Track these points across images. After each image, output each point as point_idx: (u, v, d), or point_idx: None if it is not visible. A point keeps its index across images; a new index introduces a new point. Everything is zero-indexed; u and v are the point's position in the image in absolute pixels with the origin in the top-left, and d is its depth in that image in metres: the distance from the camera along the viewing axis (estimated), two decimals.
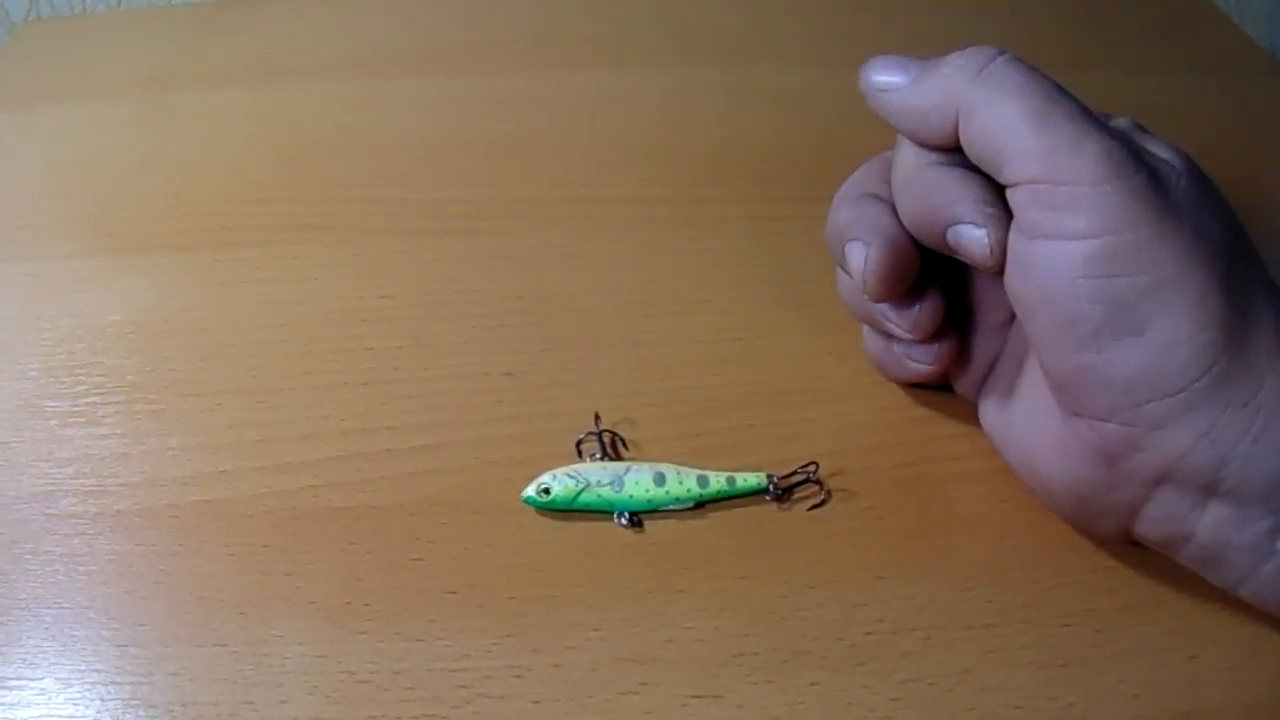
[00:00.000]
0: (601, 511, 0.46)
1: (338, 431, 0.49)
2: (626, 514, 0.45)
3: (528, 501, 0.46)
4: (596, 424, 0.48)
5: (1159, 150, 0.38)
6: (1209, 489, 0.37)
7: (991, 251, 0.39)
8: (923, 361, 0.47)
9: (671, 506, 0.46)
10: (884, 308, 0.45)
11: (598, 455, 0.47)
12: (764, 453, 0.48)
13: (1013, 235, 0.39)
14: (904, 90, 0.41)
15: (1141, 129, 0.41)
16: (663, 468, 0.46)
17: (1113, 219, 0.36)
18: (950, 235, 0.41)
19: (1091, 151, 0.36)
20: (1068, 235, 0.37)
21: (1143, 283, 0.36)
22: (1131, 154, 0.37)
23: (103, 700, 0.40)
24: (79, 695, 0.40)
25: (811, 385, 0.51)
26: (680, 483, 0.46)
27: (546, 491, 0.45)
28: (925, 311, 0.45)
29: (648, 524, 0.46)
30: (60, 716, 0.39)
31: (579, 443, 0.48)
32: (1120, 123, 0.41)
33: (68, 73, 0.74)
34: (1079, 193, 0.36)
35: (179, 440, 0.49)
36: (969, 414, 0.48)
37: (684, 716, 0.40)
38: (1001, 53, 0.40)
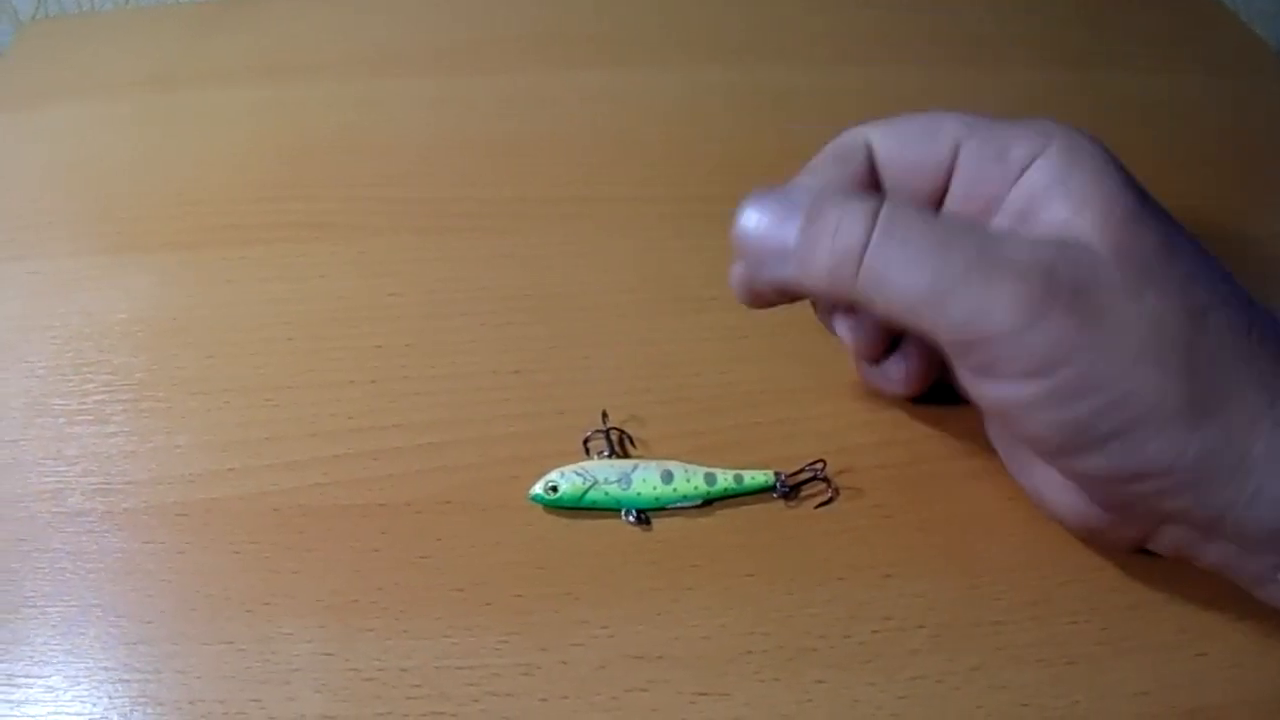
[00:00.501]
0: (609, 509, 0.46)
1: (345, 429, 0.49)
2: (634, 511, 0.45)
3: (535, 499, 0.46)
4: (604, 422, 0.48)
5: (1077, 219, 0.36)
6: (1211, 532, 0.36)
7: (909, 384, 0.42)
8: (894, 381, 0.47)
9: (679, 504, 0.46)
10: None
11: (605, 453, 0.47)
12: (771, 450, 0.48)
13: (955, 362, 0.39)
14: (794, 272, 0.39)
15: (1058, 135, 0.38)
16: (670, 465, 0.46)
17: (1046, 360, 0.35)
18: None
19: (1004, 303, 0.35)
20: (1006, 379, 0.37)
21: (1095, 405, 0.35)
22: (1045, 278, 0.35)
23: (110, 698, 0.40)
24: (87, 693, 0.40)
25: (818, 383, 0.51)
26: (688, 480, 0.46)
27: (554, 489, 0.45)
28: (894, 362, 0.46)
29: (655, 522, 0.46)
30: (68, 714, 0.39)
31: (586, 440, 0.48)
32: (1038, 128, 0.39)
33: (74, 71, 0.74)
34: (1003, 349, 0.36)
35: (186, 438, 0.49)
36: (976, 413, 0.48)
37: (691, 714, 0.40)
38: (878, 214, 0.37)
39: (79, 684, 0.40)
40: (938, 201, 0.41)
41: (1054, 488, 0.41)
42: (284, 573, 0.44)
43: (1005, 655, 0.41)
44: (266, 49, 0.76)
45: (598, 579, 0.44)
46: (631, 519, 0.45)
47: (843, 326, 0.44)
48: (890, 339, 0.45)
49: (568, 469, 0.46)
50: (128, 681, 0.40)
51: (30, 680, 0.40)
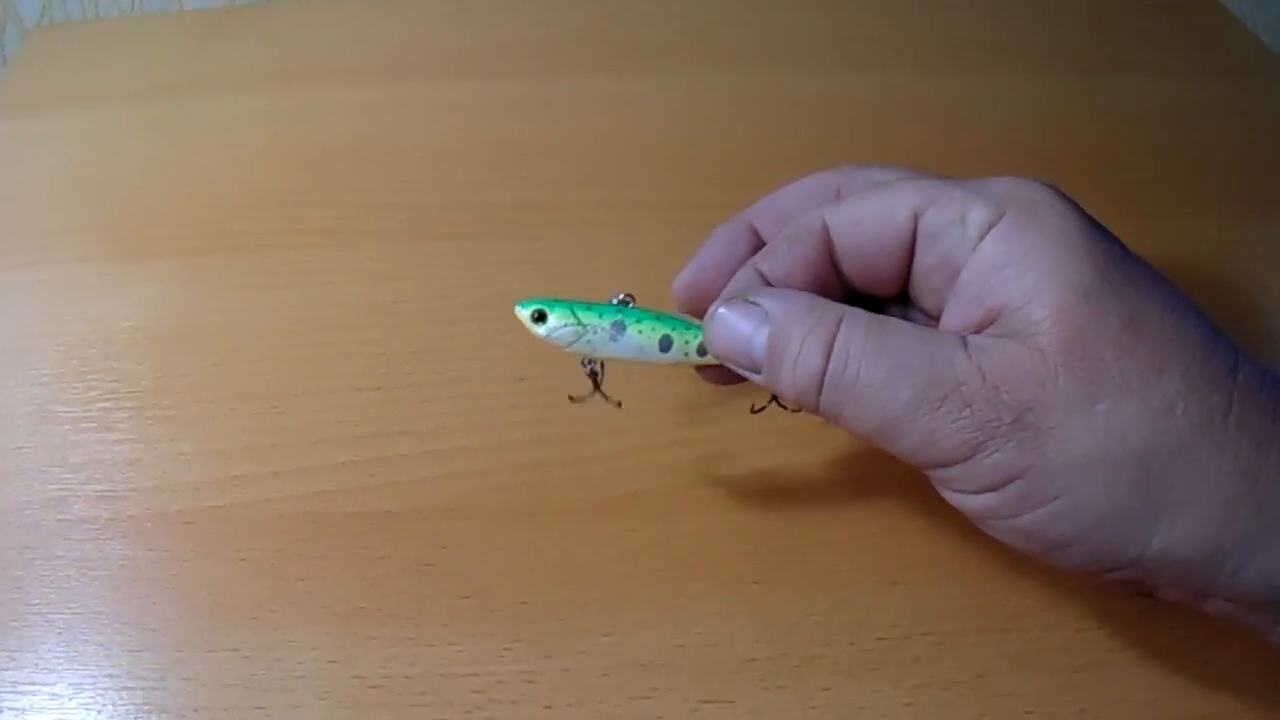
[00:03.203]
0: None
1: (351, 436, 0.49)
2: (594, 364, 0.42)
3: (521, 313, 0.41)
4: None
5: (1029, 308, 0.35)
6: (1203, 596, 0.36)
7: None
8: None
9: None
10: None
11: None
12: (778, 455, 0.48)
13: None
14: (763, 381, 0.39)
15: (1015, 202, 0.37)
16: (673, 335, 0.41)
17: (994, 480, 0.35)
18: None
19: (949, 437, 0.35)
20: (961, 493, 0.37)
21: (1048, 514, 0.35)
22: (989, 403, 0.34)
23: (115, 705, 0.40)
24: (91, 700, 0.40)
25: None
26: (685, 355, 0.41)
27: (542, 318, 0.41)
28: None
29: (661, 528, 0.46)
30: None
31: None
32: (997, 191, 0.38)
33: (80, 78, 0.74)
34: (953, 473, 0.36)
35: (191, 445, 0.49)
36: None
37: None
38: (834, 342, 0.37)
39: (84, 691, 0.40)
40: (903, 278, 0.40)
41: None
42: (289, 580, 0.44)
43: (1011, 663, 0.41)
44: (273, 56, 0.76)
45: (603, 586, 0.44)
46: (588, 370, 0.42)
47: None
48: None
49: (560, 306, 0.41)
50: (132, 689, 0.40)
51: (35, 687, 0.40)
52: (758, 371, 0.38)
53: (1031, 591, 0.43)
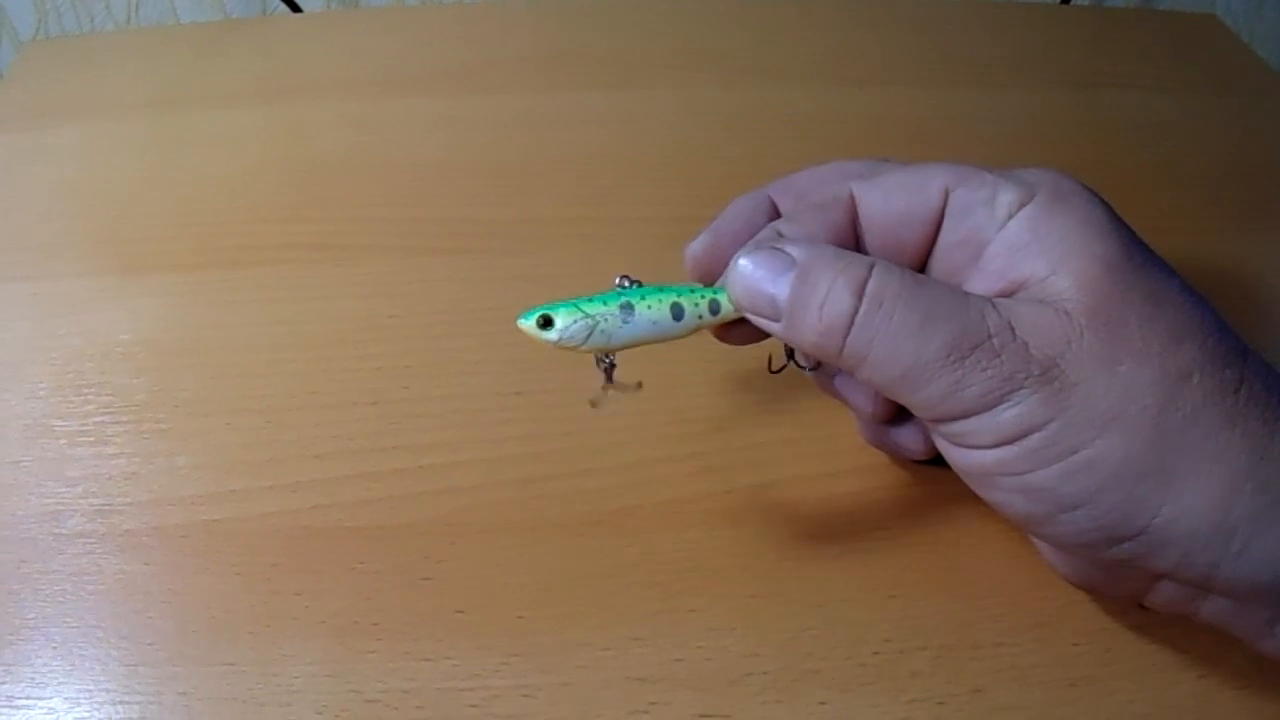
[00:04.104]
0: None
1: (347, 451, 0.49)
2: (609, 359, 0.40)
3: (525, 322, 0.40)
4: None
5: (1055, 277, 0.36)
6: (1203, 588, 0.36)
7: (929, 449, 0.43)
8: (911, 449, 0.45)
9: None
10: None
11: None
12: (775, 470, 0.48)
13: (929, 427, 0.39)
14: (782, 330, 0.39)
15: (1044, 184, 0.38)
16: (681, 301, 0.40)
17: (1014, 432, 0.35)
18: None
19: (977, 386, 0.35)
20: (975, 448, 0.37)
21: (1059, 471, 0.35)
22: (1018, 355, 0.35)
23: None
24: (87, 714, 0.40)
25: (823, 403, 0.51)
26: (699, 318, 0.40)
27: (548, 323, 0.39)
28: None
29: (658, 541, 0.46)
30: None
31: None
32: (1027, 176, 0.39)
33: (76, 92, 0.75)
34: (974, 424, 0.36)
35: (188, 459, 0.49)
36: None
37: None
38: (866, 286, 0.37)
39: (79, 705, 0.40)
40: (924, 254, 0.41)
41: (1048, 548, 0.41)
42: (286, 594, 0.44)
43: (1007, 677, 0.41)
44: (270, 70, 0.76)
45: (600, 600, 0.44)
46: (606, 363, 0.41)
47: (853, 391, 0.45)
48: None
49: (563, 307, 0.40)
50: (128, 703, 0.40)
51: (31, 702, 0.40)
52: (778, 320, 0.38)
53: (1027, 606, 0.43)
